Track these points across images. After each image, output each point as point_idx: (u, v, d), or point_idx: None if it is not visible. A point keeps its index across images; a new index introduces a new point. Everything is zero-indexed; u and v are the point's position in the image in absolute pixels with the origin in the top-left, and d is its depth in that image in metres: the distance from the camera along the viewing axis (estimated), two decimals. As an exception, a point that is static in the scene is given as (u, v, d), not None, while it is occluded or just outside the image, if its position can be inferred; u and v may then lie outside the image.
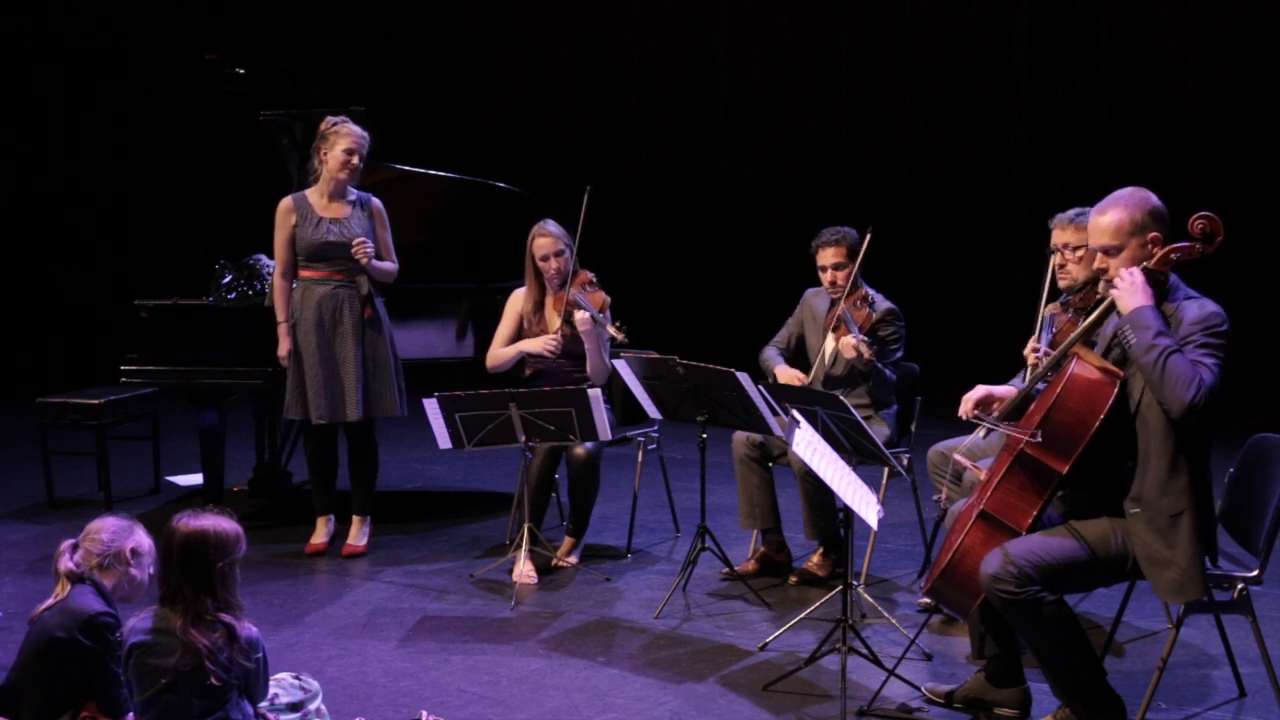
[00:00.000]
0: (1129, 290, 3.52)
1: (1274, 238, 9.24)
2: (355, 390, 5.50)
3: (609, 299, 5.68)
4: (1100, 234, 3.62)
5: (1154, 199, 3.61)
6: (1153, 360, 3.40)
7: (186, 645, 3.13)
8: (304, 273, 5.57)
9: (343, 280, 5.53)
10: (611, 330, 5.49)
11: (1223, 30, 9.46)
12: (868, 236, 5.21)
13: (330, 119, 5.55)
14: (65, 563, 3.51)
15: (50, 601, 3.50)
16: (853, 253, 5.31)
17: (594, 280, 5.71)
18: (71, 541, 3.58)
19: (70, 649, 3.39)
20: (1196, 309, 3.51)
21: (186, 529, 3.22)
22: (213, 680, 3.13)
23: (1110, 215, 3.60)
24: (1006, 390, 4.06)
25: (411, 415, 5.74)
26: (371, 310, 5.54)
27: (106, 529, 3.56)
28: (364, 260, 5.46)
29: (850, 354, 5.10)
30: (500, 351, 5.76)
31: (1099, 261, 3.65)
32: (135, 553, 3.56)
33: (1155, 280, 3.55)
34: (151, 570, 3.54)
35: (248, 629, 3.24)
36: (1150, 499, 3.55)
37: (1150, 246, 3.56)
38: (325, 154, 5.51)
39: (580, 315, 5.51)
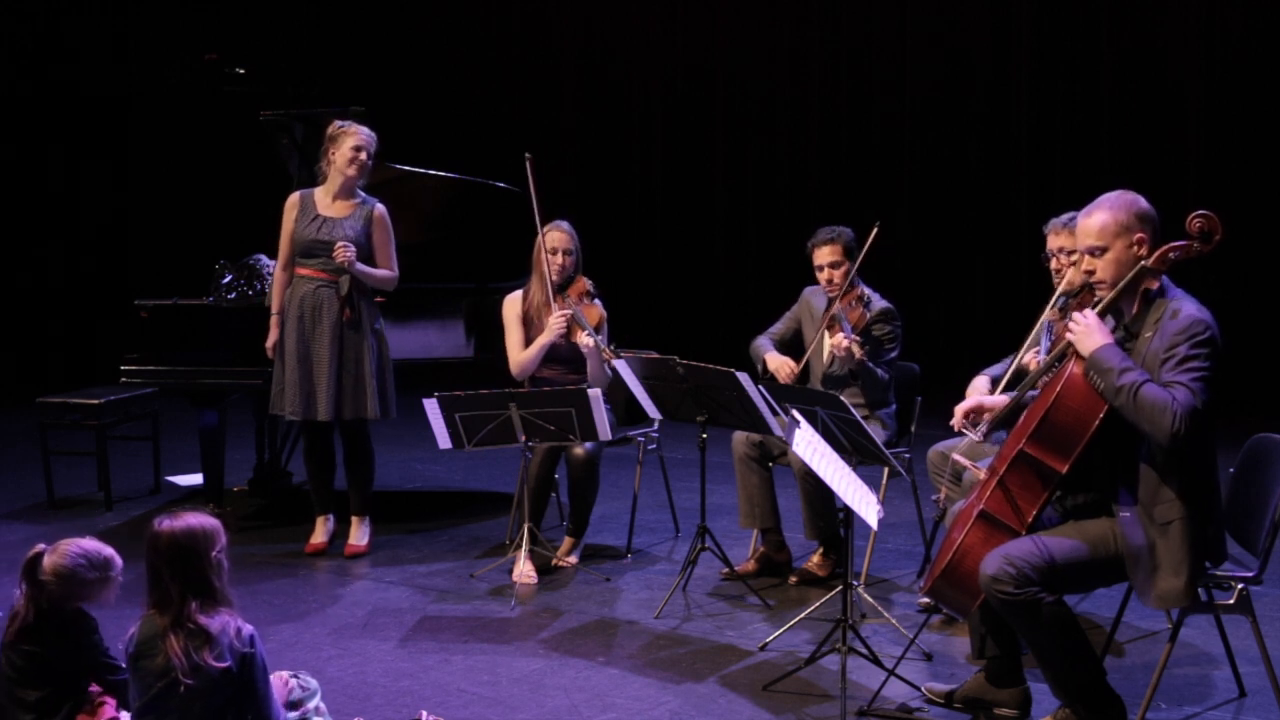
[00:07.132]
0: (1085, 332, 3.53)
1: (1274, 238, 9.24)
2: (326, 390, 5.48)
3: (605, 314, 5.67)
4: (1086, 235, 3.61)
5: (1142, 201, 3.60)
6: (1124, 401, 3.41)
7: (166, 653, 3.07)
8: (297, 269, 5.59)
9: (326, 280, 5.52)
10: (602, 350, 5.48)
11: (1223, 30, 9.46)
12: (874, 231, 5.17)
13: (338, 122, 5.58)
14: (27, 589, 3.34)
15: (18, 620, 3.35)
16: (849, 251, 5.31)
17: (591, 290, 5.68)
18: (42, 549, 3.37)
19: (51, 657, 3.34)
20: (1181, 315, 3.48)
21: (172, 529, 3.13)
22: (182, 688, 3.06)
23: (1096, 217, 3.59)
24: (996, 400, 4.07)
25: (411, 415, 5.74)
26: (351, 311, 5.50)
27: (82, 568, 3.34)
28: (342, 262, 5.44)
29: (841, 352, 5.10)
30: (523, 356, 5.67)
31: (1086, 263, 3.63)
32: (117, 572, 3.43)
33: (1145, 280, 3.54)
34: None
35: (232, 625, 3.12)
36: (1145, 503, 3.54)
37: (1136, 248, 3.55)
38: (334, 153, 5.53)
39: (582, 336, 5.51)
